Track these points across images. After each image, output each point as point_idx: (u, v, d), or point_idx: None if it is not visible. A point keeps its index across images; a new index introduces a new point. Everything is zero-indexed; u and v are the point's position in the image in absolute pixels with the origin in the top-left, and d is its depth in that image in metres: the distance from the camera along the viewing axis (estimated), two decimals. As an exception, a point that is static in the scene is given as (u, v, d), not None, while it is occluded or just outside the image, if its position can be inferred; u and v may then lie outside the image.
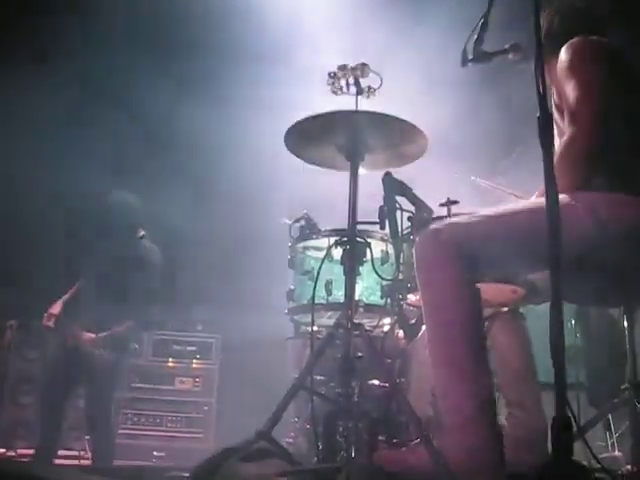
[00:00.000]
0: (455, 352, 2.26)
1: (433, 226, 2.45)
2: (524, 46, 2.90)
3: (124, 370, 5.18)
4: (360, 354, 2.65)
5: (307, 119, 2.73)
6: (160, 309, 5.26)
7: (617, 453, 3.56)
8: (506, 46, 2.92)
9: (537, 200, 2.43)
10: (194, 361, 6.43)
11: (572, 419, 1.68)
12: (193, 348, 6.48)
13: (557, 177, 2.31)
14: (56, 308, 4.95)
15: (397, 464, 2.29)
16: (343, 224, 2.90)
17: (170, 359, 6.40)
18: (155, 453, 6.05)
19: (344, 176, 2.93)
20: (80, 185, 5.33)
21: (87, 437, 5.38)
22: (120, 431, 5.80)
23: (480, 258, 2.33)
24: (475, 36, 2.83)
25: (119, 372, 4.98)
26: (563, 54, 2.57)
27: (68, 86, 5.51)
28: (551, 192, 1.85)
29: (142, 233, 5.12)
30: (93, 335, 4.78)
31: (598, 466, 2.00)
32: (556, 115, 2.65)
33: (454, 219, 2.48)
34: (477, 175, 3.87)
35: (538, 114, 1.91)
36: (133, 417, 6.17)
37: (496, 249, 2.33)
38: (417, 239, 2.51)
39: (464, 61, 2.86)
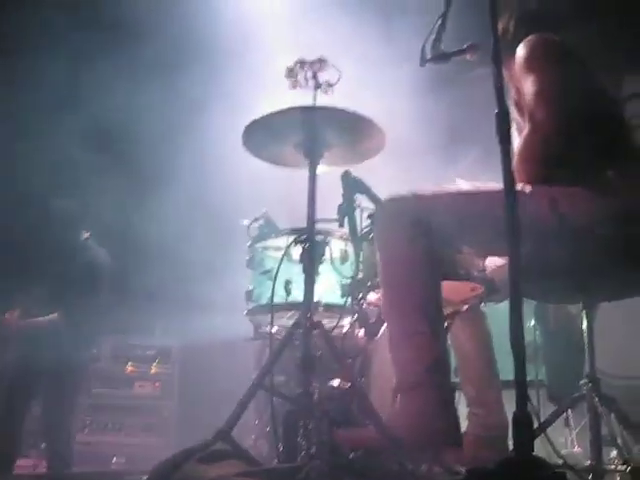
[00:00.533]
0: (406, 313, 2.28)
1: (397, 192, 2.45)
2: (481, 46, 2.92)
3: (82, 374, 5.08)
4: (319, 353, 2.63)
5: (264, 117, 2.70)
6: (117, 313, 5.20)
7: (577, 449, 3.59)
8: (464, 46, 2.93)
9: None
10: (153, 365, 6.37)
11: (533, 415, 1.68)
12: (152, 352, 6.44)
13: (516, 172, 2.35)
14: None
15: (345, 442, 2.30)
16: (302, 223, 2.88)
17: (129, 363, 6.33)
18: (114, 459, 5.97)
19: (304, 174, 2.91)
20: (20, 185, 5.25)
21: (43, 445, 5.28)
22: (78, 438, 5.68)
23: (439, 229, 2.34)
24: (433, 36, 2.83)
25: (76, 375, 4.90)
26: (520, 51, 2.59)
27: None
28: (509, 189, 1.84)
29: (86, 235, 5.07)
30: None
31: (559, 461, 2.01)
32: (515, 113, 2.66)
33: (419, 190, 2.48)
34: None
35: (496, 110, 1.91)
36: (92, 423, 6.09)
37: (455, 223, 2.35)
38: (380, 206, 2.52)
39: (422, 61, 2.86)
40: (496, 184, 2.40)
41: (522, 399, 1.68)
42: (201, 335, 5.90)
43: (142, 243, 6.25)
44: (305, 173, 2.85)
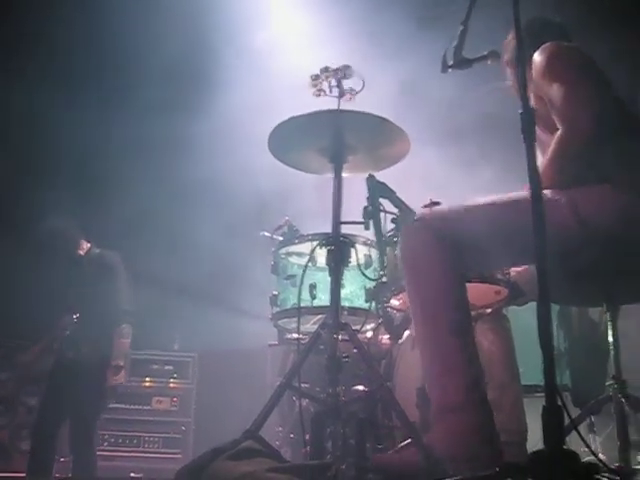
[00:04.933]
0: (439, 337, 2.28)
1: (419, 214, 2.47)
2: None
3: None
4: (345, 355, 2.63)
5: (289, 120, 2.73)
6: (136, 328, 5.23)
7: (601, 456, 3.55)
8: (485, 52, 2.96)
9: (523, 193, 2.45)
10: (171, 380, 6.39)
11: (562, 408, 1.67)
12: (170, 367, 6.45)
13: (547, 174, 2.37)
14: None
15: (387, 466, 2.29)
16: (322, 230, 2.91)
17: (147, 379, 6.35)
18: (132, 475, 5.97)
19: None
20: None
21: (62, 459, 5.31)
22: (97, 452, 5.69)
23: (464, 246, 2.35)
24: (455, 42, 2.86)
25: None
26: (538, 58, 2.60)
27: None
28: (535, 187, 1.85)
29: (86, 246, 5.27)
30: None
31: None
32: None
33: (440, 207, 2.49)
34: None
35: (520, 110, 1.92)
36: (110, 438, 6.09)
37: (480, 237, 2.35)
38: (404, 228, 2.52)
39: (444, 67, 2.89)
40: (512, 194, 2.44)
41: (551, 393, 1.68)
42: (220, 345, 5.93)
43: (158, 259, 6.30)
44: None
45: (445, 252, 2.33)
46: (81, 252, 5.23)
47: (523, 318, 3.02)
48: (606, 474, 2.12)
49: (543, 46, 2.62)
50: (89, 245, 5.29)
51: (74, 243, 5.23)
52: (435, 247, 2.34)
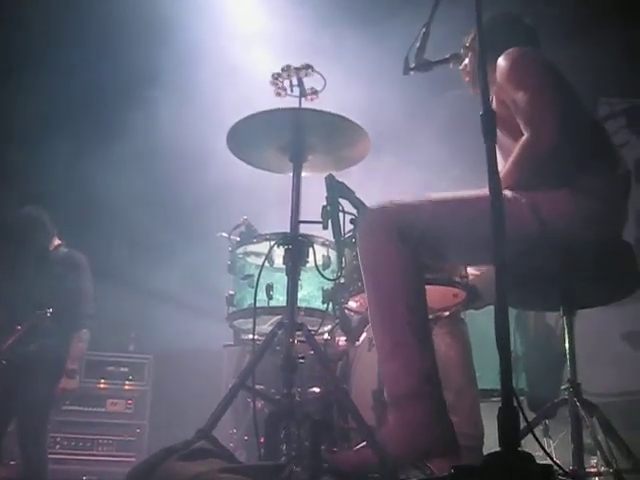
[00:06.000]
0: (394, 327, 2.27)
1: (379, 203, 2.45)
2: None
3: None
4: (301, 355, 2.60)
5: (249, 118, 2.69)
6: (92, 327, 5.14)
7: (556, 460, 3.57)
8: (447, 55, 2.97)
9: (485, 190, 2.44)
10: (126, 382, 6.29)
11: (518, 409, 1.67)
12: (125, 369, 6.35)
13: (510, 177, 2.37)
14: None
15: (344, 464, 2.27)
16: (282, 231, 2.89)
17: (102, 380, 6.25)
18: (84, 478, 5.86)
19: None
20: None
21: (12, 462, 5.18)
22: (49, 455, 5.54)
23: (423, 239, 2.33)
24: (417, 45, 2.86)
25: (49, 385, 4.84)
26: (503, 63, 2.61)
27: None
28: (494, 187, 1.84)
29: (57, 242, 5.21)
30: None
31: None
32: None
33: (400, 199, 2.46)
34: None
35: (481, 112, 1.92)
36: (62, 441, 5.96)
37: (440, 232, 2.35)
38: (363, 219, 2.50)
39: (406, 70, 2.90)
40: (476, 191, 2.43)
41: (508, 394, 1.67)
42: (176, 346, 5.86)
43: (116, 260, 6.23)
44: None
45: (403, 243, 2.32)
46: (50, 248, 5.15)
47: (480, 322, 3.02)
48: (561, 477, 2.15)
49: (507, 51, 2.63)
50: (59, 242, 5.21)
51: (51, 237, 5.17)
52: (393, 238, 2.33)
